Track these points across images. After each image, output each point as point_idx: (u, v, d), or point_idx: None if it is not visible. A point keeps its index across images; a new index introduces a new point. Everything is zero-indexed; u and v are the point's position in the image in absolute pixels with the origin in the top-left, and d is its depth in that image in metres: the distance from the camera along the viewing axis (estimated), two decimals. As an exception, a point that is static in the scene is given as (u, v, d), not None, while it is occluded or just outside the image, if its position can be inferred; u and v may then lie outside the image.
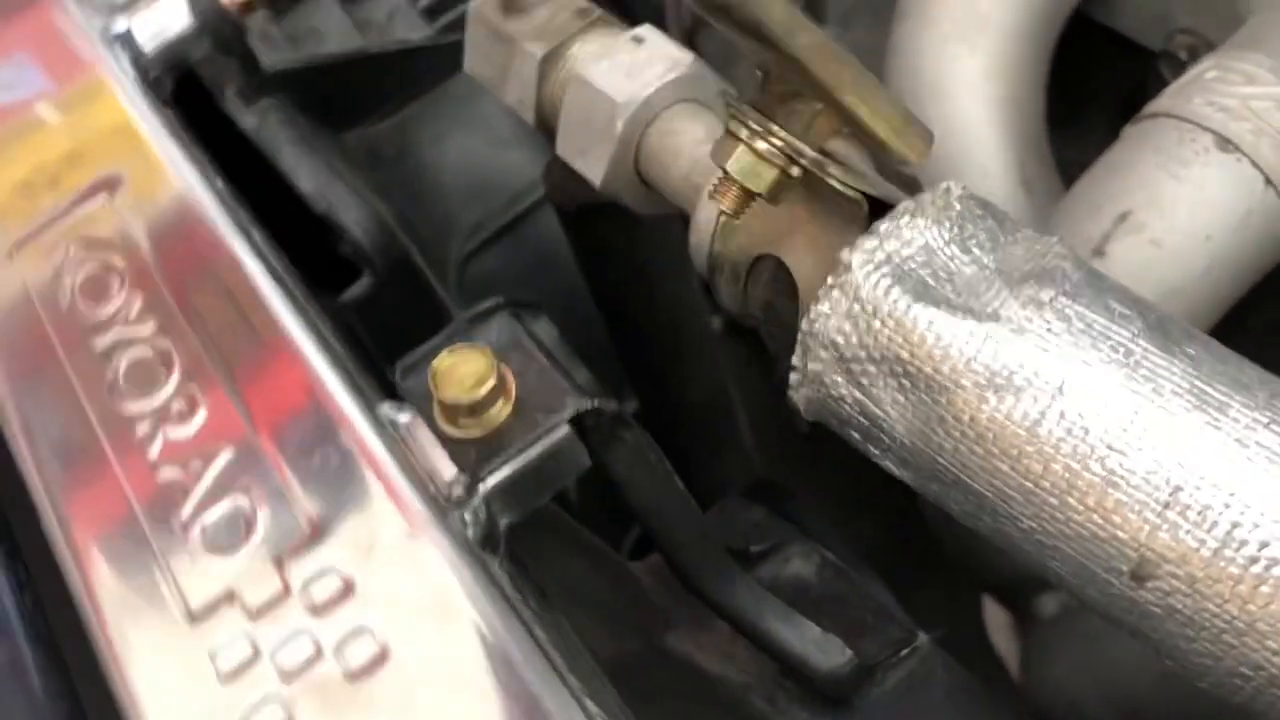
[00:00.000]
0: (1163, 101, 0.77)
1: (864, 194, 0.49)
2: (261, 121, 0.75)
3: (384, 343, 0.74)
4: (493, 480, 0.50)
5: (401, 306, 0.75)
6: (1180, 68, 0.86)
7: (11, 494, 0.49)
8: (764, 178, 0.46)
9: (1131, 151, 0.77)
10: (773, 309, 0.54)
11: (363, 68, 0.87)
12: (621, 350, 0.90)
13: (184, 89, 0.74)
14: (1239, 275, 0.74)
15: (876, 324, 0.46)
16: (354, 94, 0.86)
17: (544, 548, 0.58)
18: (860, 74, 0.45)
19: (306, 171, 0.73)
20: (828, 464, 0.75)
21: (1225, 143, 0.73)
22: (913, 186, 0.52)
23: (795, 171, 0.47)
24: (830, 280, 0.47)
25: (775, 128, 0.46)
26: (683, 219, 0.61)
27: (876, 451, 0.50)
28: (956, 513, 0.48)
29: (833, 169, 0.47)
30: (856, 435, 0.50)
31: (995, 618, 0.81)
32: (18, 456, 0.49)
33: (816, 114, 0.48)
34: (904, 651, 0.57)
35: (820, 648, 0.57)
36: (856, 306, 0.46)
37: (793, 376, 0.51)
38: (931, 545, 0.89)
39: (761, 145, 0.46)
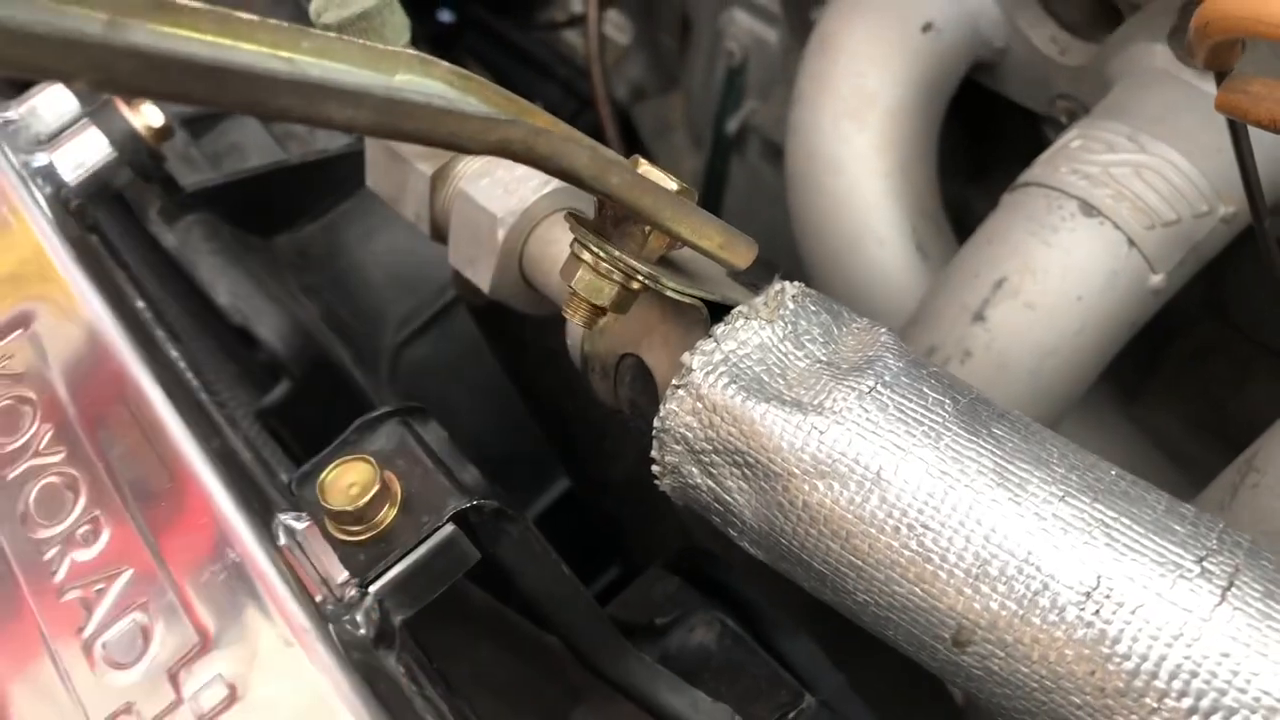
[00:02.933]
0: (1033, 171, 0.82)
1: (704, 299, 0.53)
2: (183, 239, 0.80)
3: (309, 441, 0.77)
4: (383, 580, 0.53)
5: (324, 405, 0.79)
6: (1061, 130, 0.91)
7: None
8: (606, 293, 0.51)
9: (1006, 219, 0.81)
10: (637, 406, 0.58)
11: (285, 178, 0.91)
12: (547, 431, 0.94)
13: (114, 210, 0.79)
14: (1111, 332, 0.79)
15: (717, 419, 0.50)
16: (279, 202, 0.91)
17: (449, 636, 0.61)
18: (674, 200, 0.49)
19: (225, 285, 0.78)
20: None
21: (1089, 208, 0.78)
22: (756, 285, 0.56)
23: (635, 285, 0.51)
24: (675, 381, 0.51)
25: (609, 249, 0.50)
26: (567, 318, 0.66)
27: (734, 534, 0.54)
28: (805, 587, 0.52)
29: (668, 281, 0.51)
30: (716, 520, 0.54)
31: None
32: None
33: (649, 232, 0.52)
34: (791, 714, 0.61)
35: (710, 716, 0.60)
36: (699, 404, 0.50)
37: (654, 469, 0.55)
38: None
39: (602, 265, 0.50)
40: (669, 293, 0.51)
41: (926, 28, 0.95)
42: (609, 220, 0.51)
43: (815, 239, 0.98)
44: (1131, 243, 0.77)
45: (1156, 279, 0.78)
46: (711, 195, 1.45)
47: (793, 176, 0.99)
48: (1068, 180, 0.79)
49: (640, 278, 0.50)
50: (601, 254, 0.49)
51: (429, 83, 0.40)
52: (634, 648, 0.62)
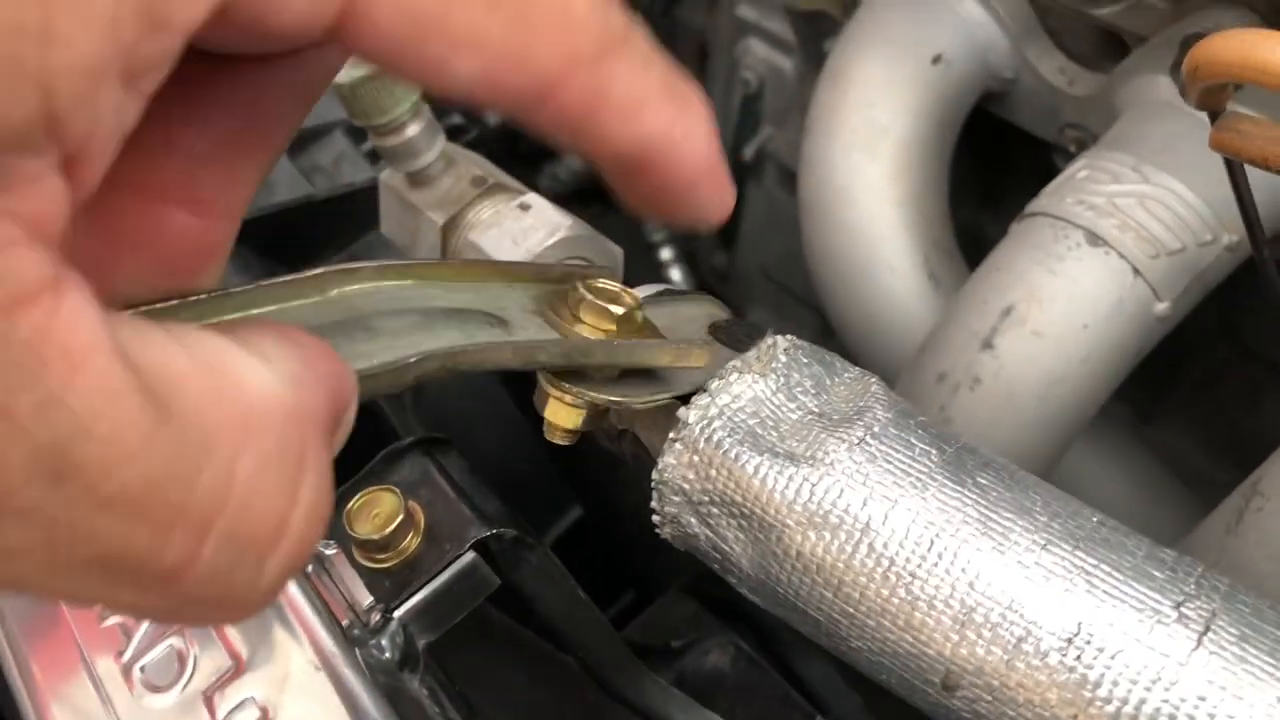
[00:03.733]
0: (1040, 201, 0.84)
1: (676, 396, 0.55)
2: (214, 272, 0.82)
3: (337, 470, 0.79)
4: (407, 606, 0.56)
5: (351, 434, 0.81)
6: (1070, 158, 0.93)
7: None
8: (576, 420, 0.52)
9: (1013, 249, 0.83)
10: (640, 460, 0.60)
11: (313, 211, 0.94)
12: (562, 460, 0.96)
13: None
14: (1117, 359, 0.80)
15: (713, 472, 0.51)
16: (305, 234, 0.94)
17: (471, 659, 0.63)
18: (609, 349, 0.49)
19: (255, 317, 0.80)
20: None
21: (1095, 238, 0.79)
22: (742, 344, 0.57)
23: (604, 408, 0.52)
24: (672, 435, 0.53)
25: (570, 386, 0.50)
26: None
27: (733, 580, 0.55)
28: (803, 633, 0.54)
29: (634, 401, 0.52)
30: (716, 567, 0.56)
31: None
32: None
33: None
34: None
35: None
36: (696, 457, 0.52)
37: (655, 518, 0.56)
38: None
39: (567, 399, 0.51)
40: (638, 407, 0.52)
41: (936, 60, 0.97)
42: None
43: (828, 267, 1.00)
44: (1136, 271, 0.78)
45: (1162, 306, 0.79)
46: (728, 220, 1.47)
47: (805, 206, 1.01)
48: (1073, 210, 0.81)
49: (605, 404, 0.51)
50: (567, 392, 0.50)
51: (357, 287, 0.41)
52: (649, 670, 0.64)
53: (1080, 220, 0.80)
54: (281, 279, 0.38)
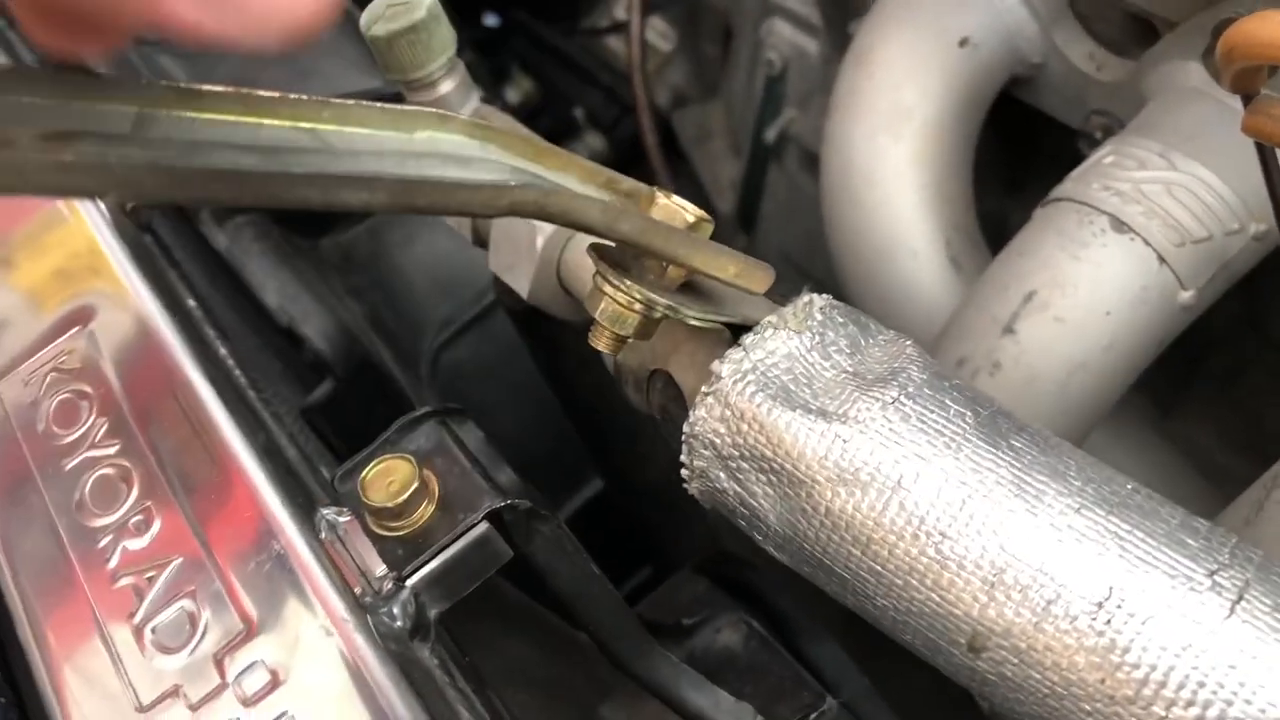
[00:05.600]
0: (1065, 186, 0.83)
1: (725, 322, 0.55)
2: (234, 240, 0.82)
3: (352, 438, 0.79)
4: (419, 575, 0.55)
5: (366, 405, 0.81)
6: (1096, 145, 0.92)
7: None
8: (629, 323, 0.52)
9: (1037, 234, 0.82)
10: (668, 413, 0.60)
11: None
12: (582, 434, 0.96)
13: (167, 211, 0.82)
14: (1140, 347, 0.79)
15: (744, 426, 0.52)
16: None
17: (482, 630, 0.63)
18: (686, 239, 0.51)
19: (273, 286, 0.80)
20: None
21: (1120, 225, 0.78)
22: (785, 296, 0.58)
23: (656, 314, 0.53)
24: (705, 389, 0.53)
25: (629, 283, 0.51)
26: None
27: (760, 538, 0.55)
28: (828, 592, 0.54)
29: (687, 310, 0.53)
30: (743, 523, 0.56)
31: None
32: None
33: (668, 264, 0.54)
34: (813, 715, 0.62)
35: (733, 714, 0.62)
36: (727, 411, 0.52)
37: (684, 473, 0.56)
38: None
39: (622, 298, 0.52)
40: (690, 320, 0.53)
41: (964, 43, 0.96)
42: (630, 252, 0.53)
43: (850, 250, 0.99)
44: (1162, 259, 0.78)
45: (1186, 295, 0.78)
46: (749, 203, 1.47)
47: (828, 188, 1.00)
48: (1099, 196, 0.80)
49: (660, 308, 0.52)
50: (622, 288, 0.51)
51: (448, 137, 0.42)
52: (661, 647, 0.64)
53: (1105, 206, 0.79)
54: (378, 105, 0.39)
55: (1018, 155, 1.16)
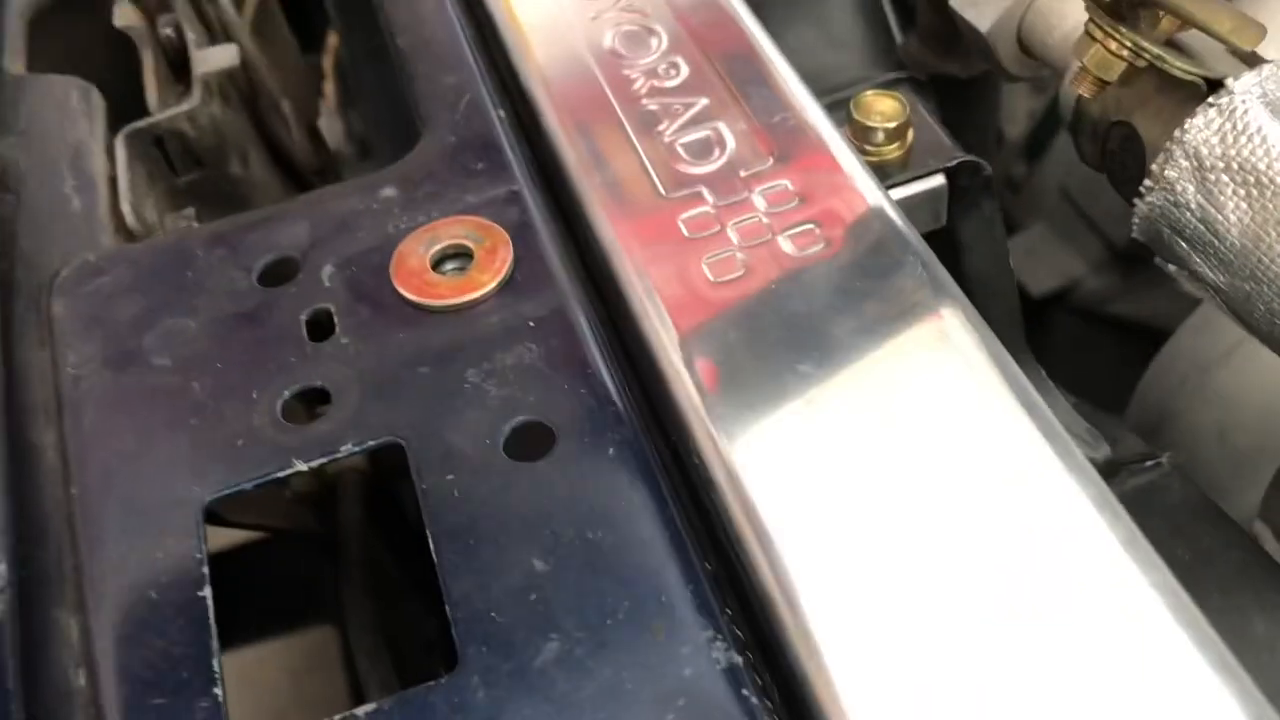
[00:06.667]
0: None
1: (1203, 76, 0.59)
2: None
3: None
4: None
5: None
6: None
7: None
8: (1114, 69, 0.57)
9: None
10: (1124, 167, 0.64)
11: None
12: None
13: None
14: None
15: (1243, 139, 0.56)
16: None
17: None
18: None
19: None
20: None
21: None
22: (1253, 62, 0.62)
23: (1142, 63, 0.57)
24: (1210, 100, 0.57)
25: (1122, 30, 0.55)
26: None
27: (1198, 258, 0.60)
28: (1260, 313, 0.58)
29: (1172, 60, 0.57)
30: (1182, 243, 0.60)
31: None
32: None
33: (1162, 15, 0.58)
34: (1149, 463, 0.67)
35: (1085, 438, 0.66)
36: (1228, 124, 0.56)
37: (1145, 185, 0.61)
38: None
39: (1113, 45, 0.56)
40: (1176, 72, 0.57)
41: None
42: (1126, 2, 0.57)
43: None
44: None
45: None
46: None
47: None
48: None
49: (1148, 58, 0.56)
50: (1114, 35, 0.55)
51: None
52: (1034, 358, 0.68)
53: None
54: None
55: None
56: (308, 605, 0.83)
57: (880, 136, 0.62)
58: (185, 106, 0.67)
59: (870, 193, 0.53)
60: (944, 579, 0.40)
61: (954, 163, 0.63)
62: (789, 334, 0.48)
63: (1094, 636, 0.38)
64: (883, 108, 0.63)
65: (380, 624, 0.60)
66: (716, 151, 0.57)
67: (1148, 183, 0.61)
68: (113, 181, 0.65)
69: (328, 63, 1.27)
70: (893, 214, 0.52)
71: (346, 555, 0.64)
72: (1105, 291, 1.41)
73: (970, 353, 0.47)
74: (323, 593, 0.72)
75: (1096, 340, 1.41)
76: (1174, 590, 0.40)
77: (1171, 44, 0.62)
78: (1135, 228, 0.64)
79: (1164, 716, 0.36)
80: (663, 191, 0.55)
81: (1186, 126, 0.58)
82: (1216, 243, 0.58)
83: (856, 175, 0.54)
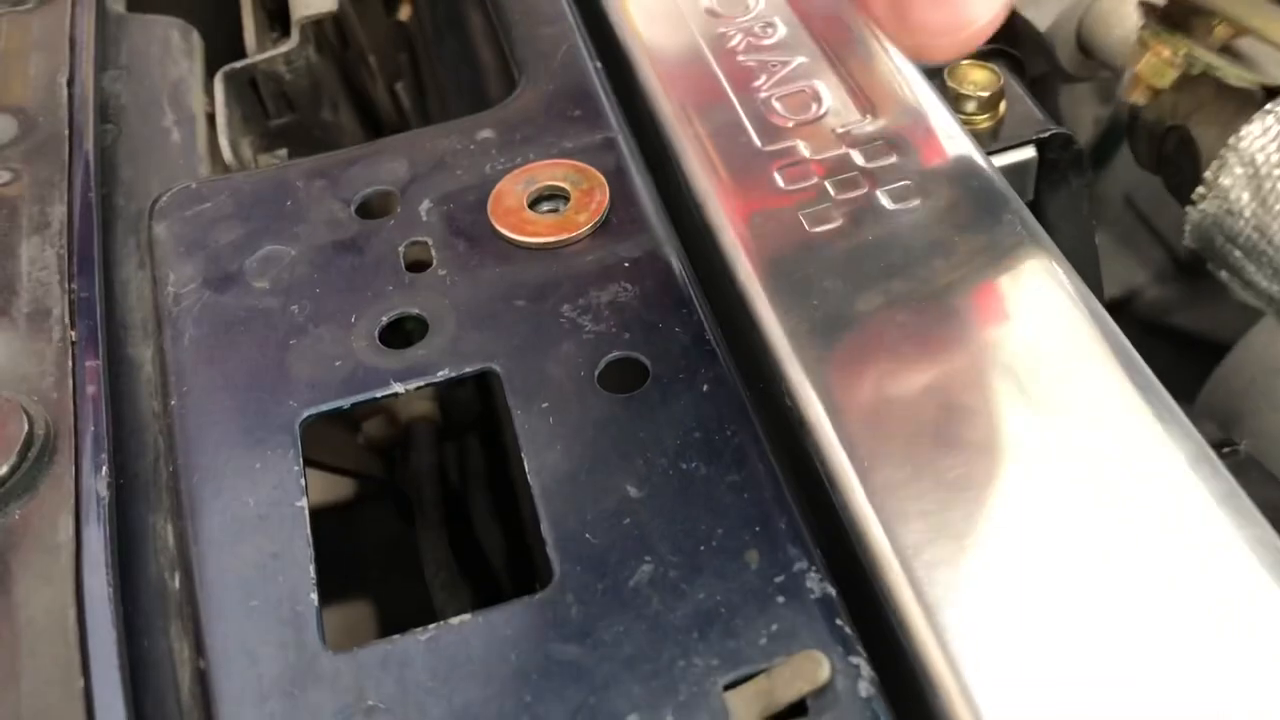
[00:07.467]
0: None
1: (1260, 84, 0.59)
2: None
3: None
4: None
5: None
6: None
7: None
8: (1166, 76, 0.57)
9: None
10: (1179, 171, 0.64)
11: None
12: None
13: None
14: None
15: (1301, 148, 0.56)
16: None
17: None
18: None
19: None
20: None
21: None
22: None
23: (1196, 72, 0.57)
24: (1269, 107, 0.57)
25: (1176, 37, 0.56)
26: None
27: (1251, 266, 0.59)
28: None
29: (1227, 67, 0.57)
30: (1236, 251, 0.60)
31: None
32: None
33: (1218, 23, 0.58)
34: (1225, 449, 0.66)
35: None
36: None
37: (1198, 192, 0.60)
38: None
39: (1166, 54, 0.56)
40: (1231, 79, 0.57)
41: None
42: (1180, 9, 0.57)
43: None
44: None
45: None
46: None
47: None
48: None
49: (1202, 65, 0.56)
50: (1170, 43, 0.55)
51: None
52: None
53: None
54: None
55: None
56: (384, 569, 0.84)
57: (973, 106, 0.62)
58: (283, 48, 0.68)
59: (967, 150, 0.53)
60: (1036, 517, 0.40)
61: (1046, 134, 0.63)
62: (885, 283, 0.48)
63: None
64: (976, 78, 0.63)
65: (453, 563, 0.60)
66: (814, 107, 0.57)
67: (1201, 189, 0.61)
68: (210, 118, 0.66)
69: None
70: (989, 171, 0.52)
71: (421, 498, 0.65)
72: (1166, 302, 1.40)
73: (1066, 306, 0.47)
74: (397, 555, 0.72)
75: (1156, 351, 1.40)
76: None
77: (1228, 50, 0.62)
78: (1188, 234, 0.64)
79: None
80: (758, 144, 0.56)
81: (1242, 133, 0.58)
82: (1271, 251, 0.58)
83: (953, 133, 0.54)
